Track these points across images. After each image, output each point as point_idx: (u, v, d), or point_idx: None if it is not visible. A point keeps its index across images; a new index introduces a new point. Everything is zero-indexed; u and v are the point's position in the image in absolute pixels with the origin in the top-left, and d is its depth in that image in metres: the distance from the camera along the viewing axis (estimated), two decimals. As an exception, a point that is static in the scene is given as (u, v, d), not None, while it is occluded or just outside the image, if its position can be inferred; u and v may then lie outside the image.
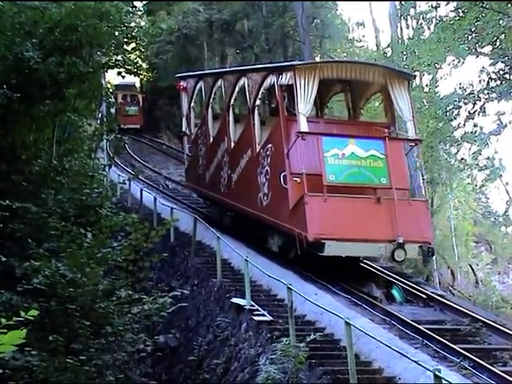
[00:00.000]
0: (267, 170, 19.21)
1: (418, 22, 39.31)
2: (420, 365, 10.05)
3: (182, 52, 47.89)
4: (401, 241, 16.90)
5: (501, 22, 22.17)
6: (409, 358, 10.50)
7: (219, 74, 24.46)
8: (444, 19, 27.93)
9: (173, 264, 21.56)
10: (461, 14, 24.63)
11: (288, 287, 13.57)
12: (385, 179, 17.66)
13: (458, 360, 12.03)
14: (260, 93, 20.00)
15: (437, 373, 9.25)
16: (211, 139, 24.08)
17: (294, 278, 16.74)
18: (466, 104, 24.81)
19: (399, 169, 18.36)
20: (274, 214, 18.71)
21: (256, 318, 14.99)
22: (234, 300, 16.19)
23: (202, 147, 25.04)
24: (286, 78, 18.25)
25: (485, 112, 25.38)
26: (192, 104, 26.21)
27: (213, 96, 24.42)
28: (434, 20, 33.56)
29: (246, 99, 21.90)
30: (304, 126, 17.53)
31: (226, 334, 15.92)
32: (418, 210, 18.00)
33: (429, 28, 34.84)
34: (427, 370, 9.78)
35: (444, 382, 9.20)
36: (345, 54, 46.02)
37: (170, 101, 54.70)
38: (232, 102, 22.19)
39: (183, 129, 27.06)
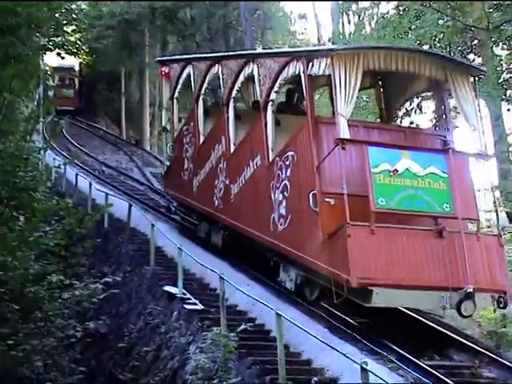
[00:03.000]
0: (286, 185, 14.96)
1: (359, 18, 39.81)
2: (348, 357, 10.18)
3: (123, 37, 47.56)
4: (470, 289, 12.94)
5: (440, 21, 22.52)
6: (337, 351, 10.62)
7: (216, 58, 19.57)
8: (385, 16, 28.33)
9: (106, 250, 21.41)
10: (401, 12, 24.98)
11: (220, 277, 13.60)
12: (448, 206, 13.68)
13: (386, 354, 12.21)
14: (276, 85, 15.74)
15: (364, 365, 9.39)
16: (202, 139, 19.62)
17: (227, 268, 16.75)
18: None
19: (466, 192, 14.27)
20: (293, 244, 14.62)
21: (187, 307, 14.98)
22: (166, 288, 16.14)
23: (189, 148, 20.53)
24: (318, 67, 14.12)
25: (421, 110, 25.84)
26: (176, 94, 21.63)
27: (205, 86, 19.71)
28: (375, 17, 34.01)
29: (251, 92, 19.08)
30: (346, 131, 13.37)
31: (157, 321, 15.88)
32: (489, 246, 13.89)
33: (370, 24, 35.30)
34: (354, 362, 9.90)
35: (370, 374, 9.35)
36: (286, 47, 46.22)
37: (108, 85, 54.50)
38: (233, 95, 17.81)
39: (163, 123, 23.01)
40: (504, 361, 12.83)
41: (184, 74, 20.99)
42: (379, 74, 16.11)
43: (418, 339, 13.52)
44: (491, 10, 21.74)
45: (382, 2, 30.34)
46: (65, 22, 21.80)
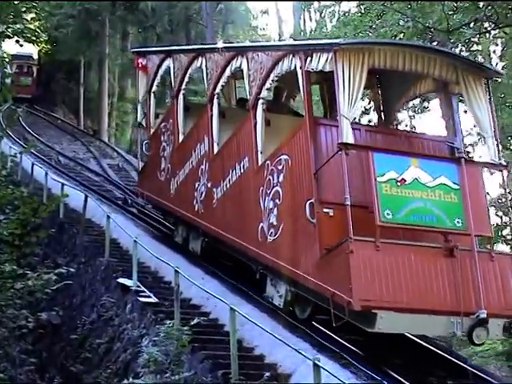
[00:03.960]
0: (278, 192, 13.59)
1: (320, 15, 39.96)
2: (300, 353, 10.22)
3: (83, 26, 47.22)
4: (483, 315, 11.78)
5: (400, 21, 22.66)
6: (290, 346, 10.64)
7: (200, 50, 17.89)
8: (346, 14, 28.48)
9: (60, 241, 21.24)
10: (362, 11, 25.12)
11: (175, 270, 13.56)
12: (460, 221, 12.37)
13: (338, 350, 12.26)
14: (269, 81, 14.32)
15: (316, 361, 9.44)
16: (181, 137, 18.09)
17: (183, 262, 16.70)
18: (362, 100, 25.27)
19: (479, 206, 12.95)
20: (285, 257, 13.28)
21: (141, 300, 14.92)
22: (121, 280, 16.06)
23: (167, 146, 18.92)
24: (318, 62, 12.74)
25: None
26: (154, 88, 20.10)
27: (187, 80, 18.14)
28: (336, 14, 34.16)
29: (232, 87, 18.39)
30: (349, 135, 12.04)
31: (111, 314, 15.80)
32: (503, 267, 12.64)
33: (331, 21, 35.43)
34: (307, 358, 9.95)
35: (322, 370, 9.41)
36: (247, 42, 46.32)
37: (67, 75, 54.07)
38: (218, 91, 16.44)
39: (138, 119, 21.21)
40: (455, 360, 12.98)
41: (163, 67, 19.51)
42: (378, 72, 14.48)
43: (371, 337, 13.60)
44: (451, 13, 21.90)
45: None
46: (24, 9, 21.54)
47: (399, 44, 14.05)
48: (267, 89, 14.49)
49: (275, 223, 13.58)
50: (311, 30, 35.35)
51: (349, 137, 12.00)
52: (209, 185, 16.42)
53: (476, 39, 23.77)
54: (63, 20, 46.18)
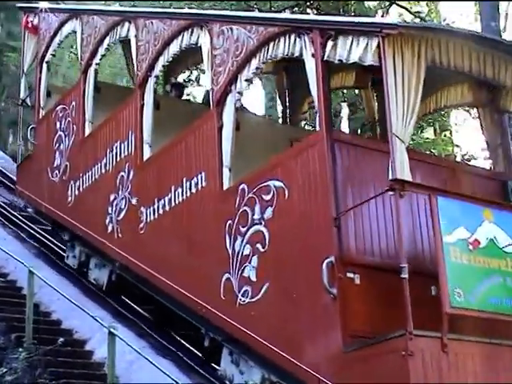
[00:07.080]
0: (261, 234, 9.29)
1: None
2: (96, 320, 10.34)
3: None
4: None
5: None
6: (87, 313, 10.71)
7: (127, 14, 13.29)
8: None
9: None
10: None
11: (-28, 229, 13.18)
12: None
13: (136, 320, 12.39)
14: (250, 68, 9.90)
15: (111, 329, 9.59)
16: (89, 128, 13.75)
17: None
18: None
19: None
20: (268, 333, 8.97)
21: None
22: None
23: (66, 137, 14.36)
24: (350, 51, 8.41)
25: (199, 82, 26.32)
26: (48, 57, 15.68)
27: (102, 51, 13.76)
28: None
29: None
30: (406, 167, 7.89)
31: None
32: None
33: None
34: (103, 325, 10.08)
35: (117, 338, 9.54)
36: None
37: None
38: (156, 73, 12.04)
39: (22, 95, 16.53)
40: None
41: (65, 31, 15.18)
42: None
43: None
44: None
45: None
46: None
47: (468, 35, 8.93)
48: (247, 80, 10.06)
49: (254, 279, 9.34)
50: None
51: (405, 170, 7.88)
52: (133, 201, 12.06)
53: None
54: None
